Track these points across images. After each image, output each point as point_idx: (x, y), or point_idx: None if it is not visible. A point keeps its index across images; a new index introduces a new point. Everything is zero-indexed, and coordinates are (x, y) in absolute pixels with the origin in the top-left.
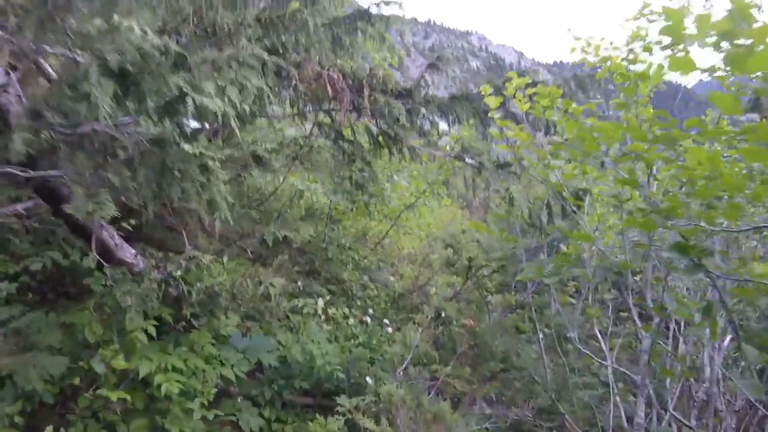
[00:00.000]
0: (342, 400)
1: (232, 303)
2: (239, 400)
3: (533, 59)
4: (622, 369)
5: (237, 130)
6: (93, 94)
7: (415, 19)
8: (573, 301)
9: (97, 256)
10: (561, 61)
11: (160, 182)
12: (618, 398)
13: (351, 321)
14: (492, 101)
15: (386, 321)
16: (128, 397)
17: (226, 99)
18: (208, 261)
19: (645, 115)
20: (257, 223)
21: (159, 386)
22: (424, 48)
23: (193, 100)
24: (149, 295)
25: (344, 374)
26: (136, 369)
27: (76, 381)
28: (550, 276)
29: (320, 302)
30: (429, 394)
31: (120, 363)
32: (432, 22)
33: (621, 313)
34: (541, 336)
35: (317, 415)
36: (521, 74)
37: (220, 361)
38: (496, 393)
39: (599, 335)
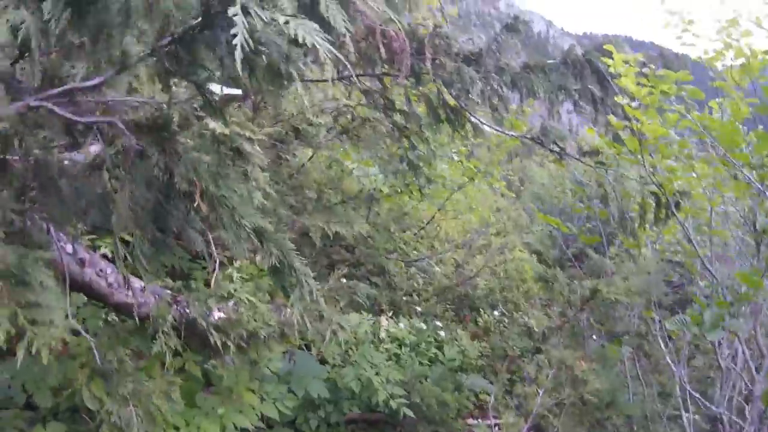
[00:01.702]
0: None
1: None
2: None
3: (562, 28)
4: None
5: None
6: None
7: None
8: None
9: None
10: (590, 32)
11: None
12: None
13: (402, 325)
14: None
15: (438, 323)
16: None
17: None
18: (240, 266)
19: None
20: (296, 213)
21: None
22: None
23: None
24: (163, 350)
25: (409, 406)
26: None
27: None
28: (710, 330)
29: (383, 321)
30: None
31: None
32: None
33: None
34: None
35: None
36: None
37: (261, 396)
38: None
39: None
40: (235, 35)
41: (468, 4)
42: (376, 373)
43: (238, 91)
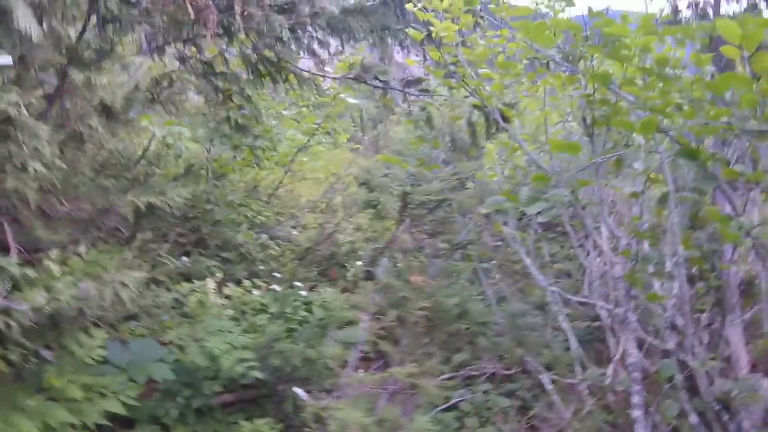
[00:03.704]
0: None
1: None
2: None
3: None
4: (601, 303)
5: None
6: None
7: None
8: (504, 229)
9: None
10: None
11: None
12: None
13: (256, 292)
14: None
15: (298, 283)
16: None
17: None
18: (55, 259)
19: None
20: (119, 192)
21: None
22: None
23: None
24: None
25: (262, 368)
26: None
27: None
28: (528, 204)
29: (209, 283)
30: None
31: None
32: None
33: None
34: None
35: (242, 421)
36: None
37: (99, 392)
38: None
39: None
40: None
41: None
42: (227, 343)
43: (8, 61)
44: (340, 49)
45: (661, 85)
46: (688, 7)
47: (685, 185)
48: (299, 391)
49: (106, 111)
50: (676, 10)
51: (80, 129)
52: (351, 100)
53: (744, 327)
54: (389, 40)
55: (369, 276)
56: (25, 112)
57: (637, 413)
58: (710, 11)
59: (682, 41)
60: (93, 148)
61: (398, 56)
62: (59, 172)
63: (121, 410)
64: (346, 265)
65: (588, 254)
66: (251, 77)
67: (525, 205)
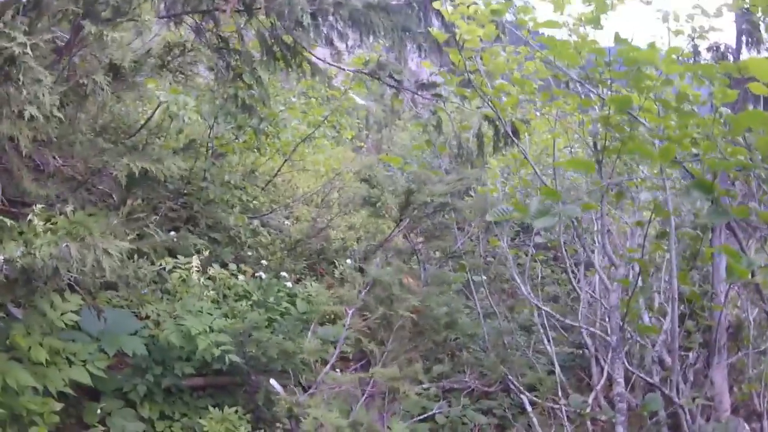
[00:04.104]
0: None
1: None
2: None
3: None
4: (592, 329)
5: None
6: None
7: None
8: (502, 244)
9: None
10: None
11: None
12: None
13: (241, 277)
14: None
15: (284, 273)
16: None
17: None
18: (40, 214)
19: None
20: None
21: None
22: None
23: None
24: None
25: (238, 354)
26: None
27: None
28: (537, 216)
29: (195, 260)
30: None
31: None
32: None
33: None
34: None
35: (210, 406)
36: None
37: (67, 359)
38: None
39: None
40: None
41: None
42: (205, 325)
43: None
44: (358, 43)
45: (676, 118)
46: (708, 50)
47: (684, 222)
48: (274, 383)
49: (114, 71)
50: (696, 51)
51: (85, 83)
52: (359, 101)
53: (729, 370)
54: (408, 44)
55: (360, 271)
56: (30, 53)
57: None
58: (730, 57)
59: (701, 80)
60: (95, 109)
61: (412, 63)
62: (57, 125)
63: (87, 380)
64: (335, 261)
65: (579, 280)
66: (265, 58)
67: (534, 218)
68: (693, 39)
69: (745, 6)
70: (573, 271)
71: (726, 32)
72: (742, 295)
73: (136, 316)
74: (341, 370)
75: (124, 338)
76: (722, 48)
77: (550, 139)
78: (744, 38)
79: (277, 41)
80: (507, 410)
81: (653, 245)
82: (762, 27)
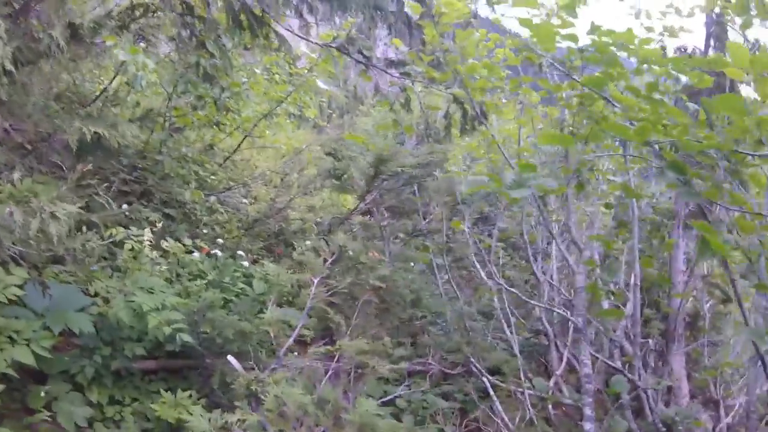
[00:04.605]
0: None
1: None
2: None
3: None
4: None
5: None
6: None
7: None
8: (465, 228)
9: None
10: None
11: None
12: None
13: (196, 254)
14: None
15: (240, 252)
16: None
17: None
18: None
19: None
20: (67, 119)
21: None
22: None
23: None
24: None
25: (192, 334)
26: None
27: None
28: (515, 187)
29: (147, 233)
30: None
31: None
32: None
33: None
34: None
35: (162, 390)
36: None
37: (9, 337)
38: (409, 351)
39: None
40: None
41: None
42: (151, 299)
43: None
44: (328, 16)
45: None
46: (675, 51)
47: (644, 213)
48: (233, 359)
49: (72, 30)
50: (664, 53)
51: (41, 37)
52: (322, 85)
53: (686, 358)
54: (379, 22)
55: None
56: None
57: (588, 426)
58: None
59: (671, 74)
60: (49, 70)
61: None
62: (8, 85)
63: (31, 361)
64: (293, 243)
65: (540, 267)
66: (231, 26)
67: (510, 188)
68: (663, 37)
69: (717, 7)
70: (535, 258)
71: (696, 34)
72: (698, 286)
73: (84, 292)
74: (303, 353)
75: (71, 315)
76: (689, 50)
77: (515, 127)
78: (712, 41)
79: (244, 8)
80: (470, 394)
81: (618, 231)
82: (730, 30)
